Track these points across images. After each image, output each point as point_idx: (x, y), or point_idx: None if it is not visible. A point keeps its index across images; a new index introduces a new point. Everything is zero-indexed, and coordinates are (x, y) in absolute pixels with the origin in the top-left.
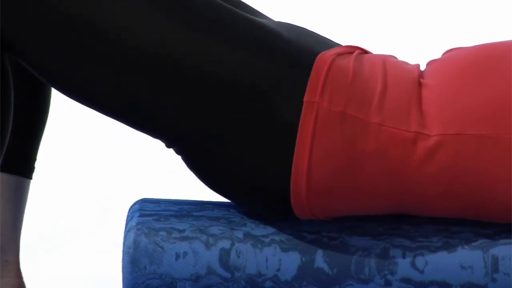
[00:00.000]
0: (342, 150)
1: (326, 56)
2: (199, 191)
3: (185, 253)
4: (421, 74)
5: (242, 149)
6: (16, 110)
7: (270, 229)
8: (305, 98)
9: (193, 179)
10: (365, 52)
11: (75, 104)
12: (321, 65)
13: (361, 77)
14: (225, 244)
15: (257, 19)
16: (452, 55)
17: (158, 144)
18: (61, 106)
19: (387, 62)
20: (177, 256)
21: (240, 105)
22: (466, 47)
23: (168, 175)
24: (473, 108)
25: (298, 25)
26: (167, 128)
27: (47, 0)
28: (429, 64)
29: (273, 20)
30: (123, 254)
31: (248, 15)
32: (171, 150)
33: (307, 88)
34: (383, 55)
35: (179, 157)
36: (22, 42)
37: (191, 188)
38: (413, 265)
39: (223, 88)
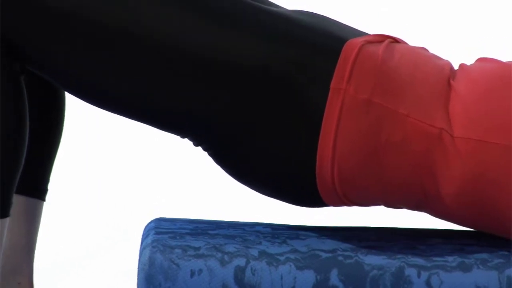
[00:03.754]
0: (366, 138)
1: (354, 43)
2: (215, 212)
3: (200, 271)
4: (452, 74)
5: (270, 137)
6: (28, 133)
7: (285, 248)
8: (332, 85)
9: (208, 199)
10: (396, 41)
11: (88, 124)
12: (349, 51)
13: (390, 66)
14: (240, 261)
15: (278, 9)
16: (487, 65)
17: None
18: (74, 126)
19: (418, 54)
20: (192, 273)
21: (268, 94)
22: (500, 61)
23: (183, 195)
24: (498, 118)
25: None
26: (196, 124)
27: (59, 5)
28: (462, 67)
29: (294, 9)
30: (139, 271)
31: (269, 7)
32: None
33: (334, 75)
34: (415, 46)
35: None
36: (40, 53)
37: (207, 208)
38: (428, 284)
39: (252, 78)
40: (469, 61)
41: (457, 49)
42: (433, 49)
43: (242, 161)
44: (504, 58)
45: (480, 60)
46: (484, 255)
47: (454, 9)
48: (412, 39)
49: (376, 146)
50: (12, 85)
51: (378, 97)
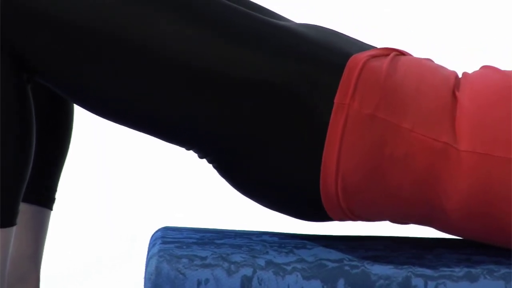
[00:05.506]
0: (370, 153)
1: (359, 58)
2: (221, 220)
3: (207, 280)
4: (456, 84)
5: (275, 151)
6: (36, 141)
7: (292, 257)
8: (336, 100)
9: (214, 208)
10: (402, 54)
11: (95, 132)
12: (353, 66)
13: (395, 80)
14: (247, 271)
15: (284, 23)
16: (490, 75)
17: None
18: (81, 133)
19: (424, 66)
20: (199, 283)
21: (273, 108)
22: (504, 70)
23: (190, 203)
24: (504, 131)
25: (326, 27)
26: (201, 137)
27: (65, 16)
28: (465, 77)
29: (301, 23)
30: (145, 281)
31: (276, 21)
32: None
33: (338, 90)
34: (421, 58)
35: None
36: (47, 64)
37: (213, 217)
38: None
39: (256, 91)
40: (472, 62)
41: (460, 50)
42: (435, 50)
43: (246, 174)
44: (508, 59)
45: (484, 68)
46: (491, 265)
47: (457, 10)
48: (414, 40)
49: (379, 161)
50: (19, 94)
51: (382, 112)
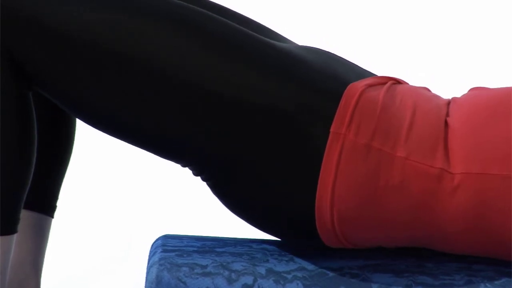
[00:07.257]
0: (365, 182)
1: (356, 87)
2: (221, 228)
3: None
4: (447, 111)
5: (270, 175)
6: (38, 148)
7: (293, 265)
8: (332, 129)
9: (215, 215)
10: (398, 82)
11: (96, 141)
12: (351, 96)
13: (390, 110)
14: (248, 279)
15: (285, 45)
16: (477, 95)
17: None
18: (81, 142)
19: (419, 95)
20: None
21: (269, 132)
22: (491, 88)
23: (190, 212)
24: (496, 148)
25: (326, 50)
26: (197, 156)
27: (65, 31)
28: (454, 101)
29: (300, 45)
30: None
31: (276, 42)
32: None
33: (335, 119)
34: (416, 87)
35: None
36: (45, 75)
37: (214, 224)
38: None
39: (253, 115)
40: (472, 62)
41: (460, 50)
42: (435, 51)
43: (241, 196)
44: (508, 59)
45: (471, 89)
46: (491, 273)
47: (458, 10)
48: (414, 41)
49: (375, 189)
50: (20, 101)
51: (377, 142)
